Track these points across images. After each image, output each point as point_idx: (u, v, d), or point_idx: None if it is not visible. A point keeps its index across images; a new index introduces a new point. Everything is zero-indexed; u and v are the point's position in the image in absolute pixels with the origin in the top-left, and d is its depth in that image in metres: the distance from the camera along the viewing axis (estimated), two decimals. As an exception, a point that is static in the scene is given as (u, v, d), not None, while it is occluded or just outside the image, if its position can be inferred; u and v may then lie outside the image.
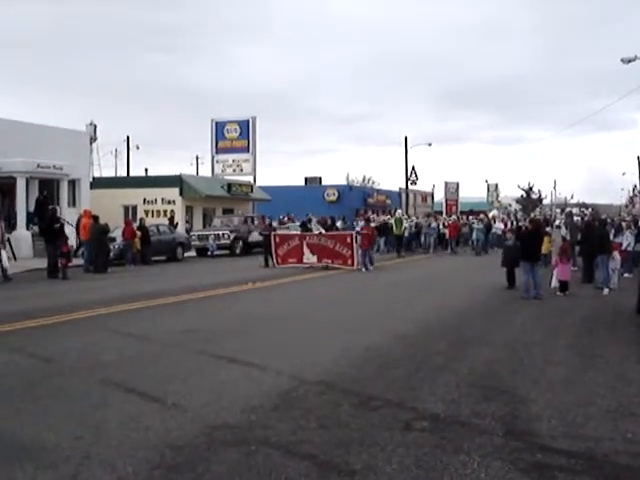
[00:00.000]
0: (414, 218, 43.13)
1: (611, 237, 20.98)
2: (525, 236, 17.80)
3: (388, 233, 36.93)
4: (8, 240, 24.76)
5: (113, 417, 6.71)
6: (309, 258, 26.54)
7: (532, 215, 52.67)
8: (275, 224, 36.68)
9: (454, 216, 47.05)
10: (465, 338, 11.22)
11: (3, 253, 21.30)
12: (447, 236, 38.84)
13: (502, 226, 40.55)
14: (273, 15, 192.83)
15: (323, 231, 30.80)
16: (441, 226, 40.17)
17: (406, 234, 37.20)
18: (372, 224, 37.60)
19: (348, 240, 26.23)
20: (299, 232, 30.70)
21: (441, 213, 63.67)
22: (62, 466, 5.43)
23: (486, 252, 36.90)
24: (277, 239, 27.67)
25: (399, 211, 39.67)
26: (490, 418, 6.71)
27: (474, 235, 37.62)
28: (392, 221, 37.26)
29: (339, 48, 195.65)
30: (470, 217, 47.15)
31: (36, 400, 7.44)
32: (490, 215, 47.03)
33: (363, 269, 25.21)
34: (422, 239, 39.55)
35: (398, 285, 20.91)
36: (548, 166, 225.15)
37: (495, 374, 8.66)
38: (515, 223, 45.79)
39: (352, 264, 25.58)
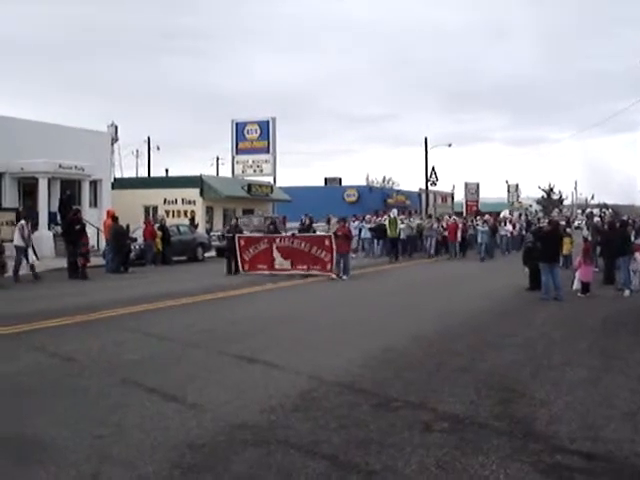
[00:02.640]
0: (417, 219, 38.92)
1: (632, 238, 20.81)
2: (543, 237, 17.69)
3: (385, 235, 33.38)
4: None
5: (133, 416, 6.76)
6: (281, 264, 23.22)
7: (551, 216, 50.88)
8: (295, 225, 35.11)
9: (454, 216, 41.46)
10: (485, 340, 11.21)
11: (30, 252, 21.50)
12: (448, 239, 34.96)
13: (510, 228, 39.11)
14: (291, 17, 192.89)
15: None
16: (442, 228, 35.99)
17: (402, 236, 33.34)
18: (367, 225, 35.83)
19: (327, 242, 22.75)
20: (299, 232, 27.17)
21: (462, 214, 63.26)
22: (83, 465, 5.48)
23: (491, 257, 33.86)
24: (242, 242, 24.27)
25: (394, 211, 35.12)
26: (509, 420, 6.70)
27: (479, 238, 34.19)
28: (386, 222, 33.78)
29: (357, 50, 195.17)
30: (477, 218, 42.63)
31: (57, 399, 7.51)
32: (501, 215, 44.49)
33: (344, 277, 22.30)
34: (424, 242, 35.45)
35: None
36: (569, 167, 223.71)
37: (515, 376, 8.63)
38: (533, 224, 44.25)
39: (332, 270, 22.43)
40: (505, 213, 42.69)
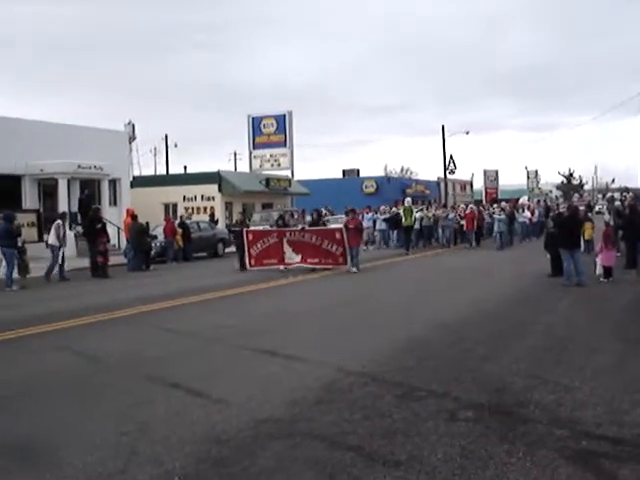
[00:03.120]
0: (432, 209, 38.21)
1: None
2: (563, 223, 17.54)
3: (400, 226, 32.37)
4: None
5: (159, 412, 6.81)
6: (292, 258, 22.60)
7: (571, 201, 49.85)
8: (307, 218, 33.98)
9: (471, 205, 40.21)
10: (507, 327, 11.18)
11: (61, 252, 21.70)
12: (465, 228, 34.17)
13: (529, 215, 38.39)
14: (306, 9, 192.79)
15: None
16: (459, 217, 35.11)
17: (416, 226, 32.84)
18: (382, 216, 35.23)
19: (337, 236, 22.21)
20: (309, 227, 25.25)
21: (481, 202, 62.93)
22: (110, 462, 5.52)
23: (510, 244, 33.59)
24: (250, 236, 23.44)
25: (408, 200, 33.75)
26: (534, 406, 6.68)
27: (495, 227, 33.06)
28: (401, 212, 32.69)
29: (372, 39, 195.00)
30: (494, 205, 41.90)
31: (83, 397, 7.57)
32: (520, 202, 43.45)
33: (353, 269, 21.75)
34: (440, 232, 35.19)
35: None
36: (588, 151, 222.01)
37: (538, 362, 8.61)
38: (552, 210, 43.46)
39: (344, 263, 21.97)
40: (523, 200, 41.46)
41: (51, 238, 21.90)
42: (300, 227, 24.36)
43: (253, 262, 23.07)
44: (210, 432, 6.15)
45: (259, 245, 23.09)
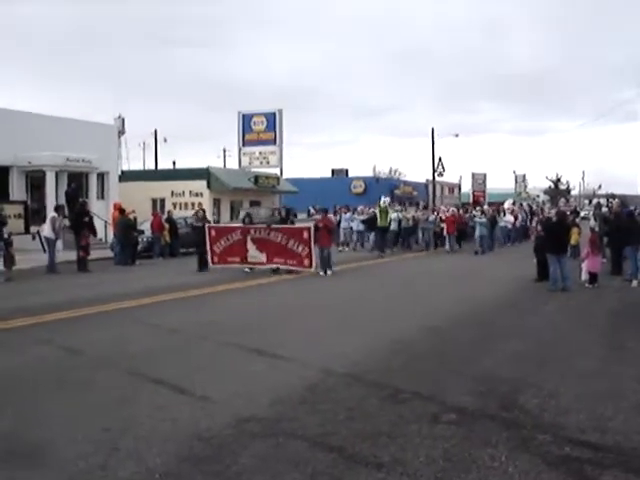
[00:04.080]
0: (412, 210, 36.05)
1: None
2: (551, 227, 17.60)
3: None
4: (38, 233, 25.06)
5: (141, 409, 6.78)
6: (256, 256, 21.22)
7: (558, 206, 48.83)
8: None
9: (452, 208, 37.68)
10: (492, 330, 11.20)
11: (59, 244, 21.64)
12: (445, 231, 32.52)
13: (512, 219, 36.57)
14: (298, 9, 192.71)
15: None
16: (440, 219, 33.72)
17: (393, 227, 31.12)
18: (359, 217, 33.61)
19: (305, 235, 20.65)
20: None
21: (468, 205, 62.95)
22: (91, 457, 5.49)
23: (490, 250, 31.75)
24: (212, 232, 22.13)
25: (384, 199, 31.37)
26: (518, 411, 6.69)
27: (477, 230, 31.55)
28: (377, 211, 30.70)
29: (363, 41, 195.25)
30: (476, 208, 39.27)
31: (64, 392, 7.53)
32: (505, 205, 41.86)
33: (321, 272, 20.56)
34: (420, 235, 33.70)
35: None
36: (576, 157, 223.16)
37: (523, 367, 8.61)
38: (536, 215, 42.38)
39: (309, 265, 20.49)
40: (507, 204, 40.01)
41: (46, 230, 21.85)
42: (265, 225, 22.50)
43: (216, 259, 21.92)
44: (193, 429, 6.13)
45: (222, 242, 21.86)
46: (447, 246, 32.08)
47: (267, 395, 7.20)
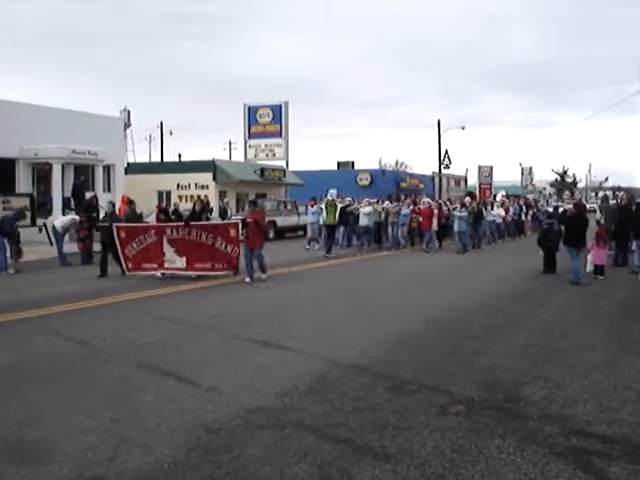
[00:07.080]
0: (383, 204, 29.94)
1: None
2: (570, 221, 17.34)
3: (349, 223, 27.59)
4: (44, 225, 25.10)
5: (149, 400, 6.79)
6: (173, 261, 17.65)
7: (563, 197, 46.84)
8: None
9: (428, 199, 31.26)
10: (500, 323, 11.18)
11: (67, 237, 21.71)
12: (421, 226, 27.95)
13: (503, 213, 32.77)
14: (306, 3, 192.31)
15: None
16: (416, 213, 28.50)
17: (364, 222, 26.91)
18: (365, 209, 27.24)
19: (232, 233, 17.27)
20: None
21: (475, 197, 62.62)
22: (100, 448, 5.51)
23: (473, 248, 27.65)
24: (122, 233, 18.34)
25: (332, 192, 26.69)
26: (525, 402, 6.69)
27: (455, 225, 27.19)
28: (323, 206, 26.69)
29: (369, 33, 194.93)
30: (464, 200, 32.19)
31: (73, 384, 7.54)
32: (497, 197, 37.23)
33: (247, 279, 16.70)
34: (390, 230, 28.54)
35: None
36: (582, 149, 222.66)
37: (530, 358, 8.61)
38: (533, 207, 40.32)
39: (235, 268, 17.34)
40: (499, 196, 36.19)
41: (60, 223, 21.94)
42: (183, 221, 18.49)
43: (131, 265, 18.27)
44: (200, 421, 6.14)
45: (135, 245, 18.20)
46: (423, 244, 27.64)
47: (274, 386, 7.21)
